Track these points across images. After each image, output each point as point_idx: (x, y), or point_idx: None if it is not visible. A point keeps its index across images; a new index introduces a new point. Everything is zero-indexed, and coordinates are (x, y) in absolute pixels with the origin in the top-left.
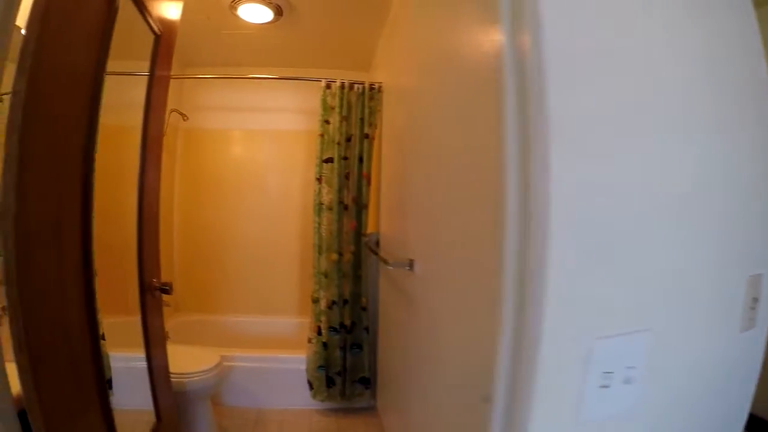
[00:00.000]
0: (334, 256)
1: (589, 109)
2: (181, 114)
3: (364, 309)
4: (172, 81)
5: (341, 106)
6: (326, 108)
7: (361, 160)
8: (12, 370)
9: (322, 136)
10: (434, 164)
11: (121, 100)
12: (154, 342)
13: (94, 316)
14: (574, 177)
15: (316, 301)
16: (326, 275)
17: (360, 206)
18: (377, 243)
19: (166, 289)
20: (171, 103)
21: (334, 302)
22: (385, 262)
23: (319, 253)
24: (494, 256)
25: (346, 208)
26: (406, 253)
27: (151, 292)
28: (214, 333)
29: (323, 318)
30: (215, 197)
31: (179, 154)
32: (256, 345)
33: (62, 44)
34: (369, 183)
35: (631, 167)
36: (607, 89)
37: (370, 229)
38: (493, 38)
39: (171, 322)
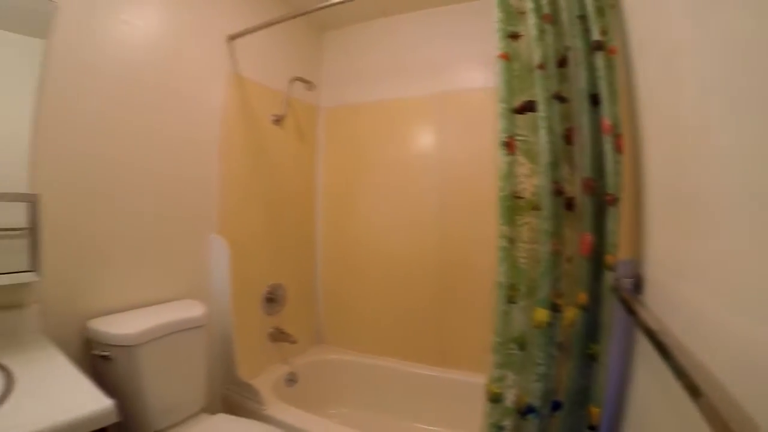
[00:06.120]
0: (543, 314)
1: None
2: (305, 82)
3: (593, 429)
4: (298, 40)
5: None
6: (509, 12)
7: (594, 99)
8: None
9: (506, 59)
10: None
11: None
12: None
13: None
14: None
15: (496, 399)
16: (522, 346)
17: (600, 199)
18: (637, 284)
19: None
20: (296, 71)
21: (530, 408)
22: None
23: (509, 300)
24: None
25: (570, 204)
26: None
27: None
28: (363, 385)
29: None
30: (372, 197)
31: (323, 142)
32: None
33: None
34: (619, 147)
35: None
36: None
37: (623, 251)
38: None
39: (303, 359)
